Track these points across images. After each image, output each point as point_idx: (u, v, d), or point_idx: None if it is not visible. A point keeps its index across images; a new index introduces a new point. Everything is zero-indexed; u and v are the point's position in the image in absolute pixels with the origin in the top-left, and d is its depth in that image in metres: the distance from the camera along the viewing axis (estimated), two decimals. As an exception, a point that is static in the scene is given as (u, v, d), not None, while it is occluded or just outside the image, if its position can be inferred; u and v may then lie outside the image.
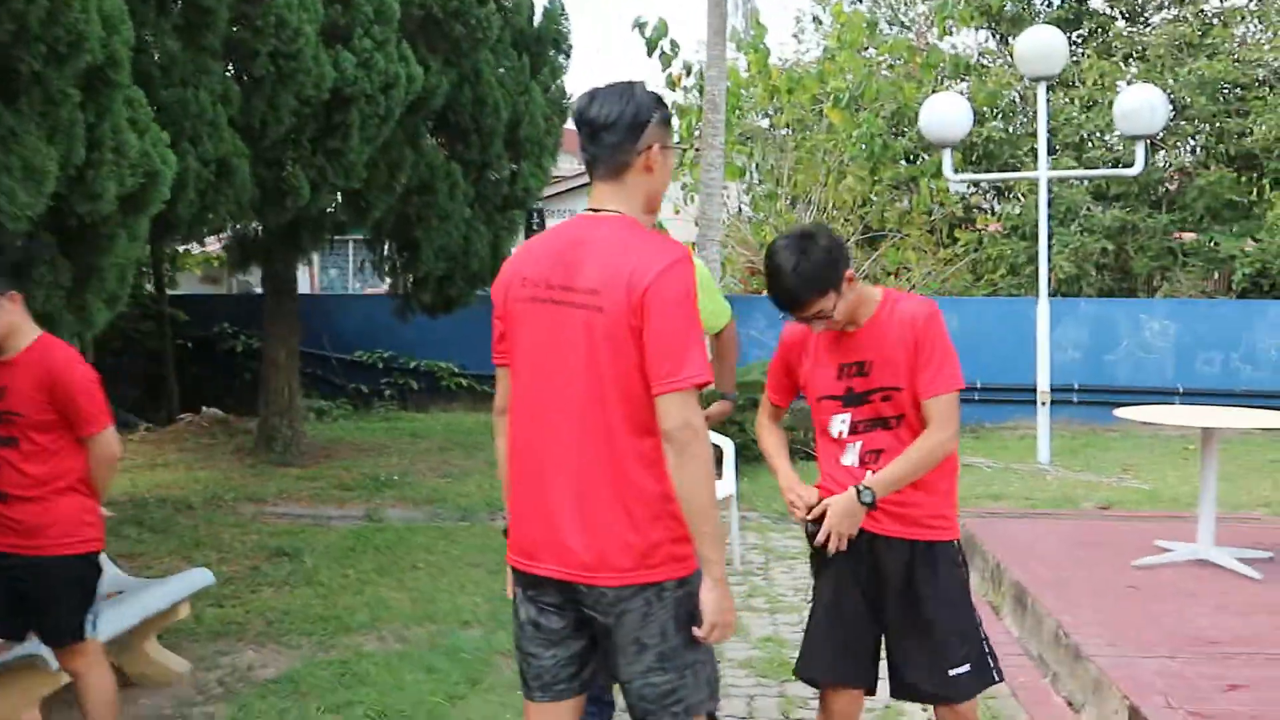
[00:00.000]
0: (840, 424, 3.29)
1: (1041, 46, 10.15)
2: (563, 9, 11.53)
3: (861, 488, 3.21)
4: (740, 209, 14.78)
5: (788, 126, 14.94)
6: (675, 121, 12.67)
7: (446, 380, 13.84)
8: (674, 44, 13.92)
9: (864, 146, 13.40)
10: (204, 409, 13.02)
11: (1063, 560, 6.55)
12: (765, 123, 15.31)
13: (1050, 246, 11.95)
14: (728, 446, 7.02)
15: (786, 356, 3.44)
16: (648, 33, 14.13)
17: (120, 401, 11.41)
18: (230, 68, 6.51)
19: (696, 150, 11.89)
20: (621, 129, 2.66)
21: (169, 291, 14.41)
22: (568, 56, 11.75)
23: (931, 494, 3.25)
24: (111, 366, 13.11)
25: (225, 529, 7.93)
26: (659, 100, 2.77)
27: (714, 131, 11.79)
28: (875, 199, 14.69)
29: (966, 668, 3.26)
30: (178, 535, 7.72)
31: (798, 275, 3.11)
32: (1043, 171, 10.50)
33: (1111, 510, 8.43)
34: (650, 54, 14.26)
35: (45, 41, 3.87)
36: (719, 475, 7.10)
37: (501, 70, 9.79)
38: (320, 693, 4.91)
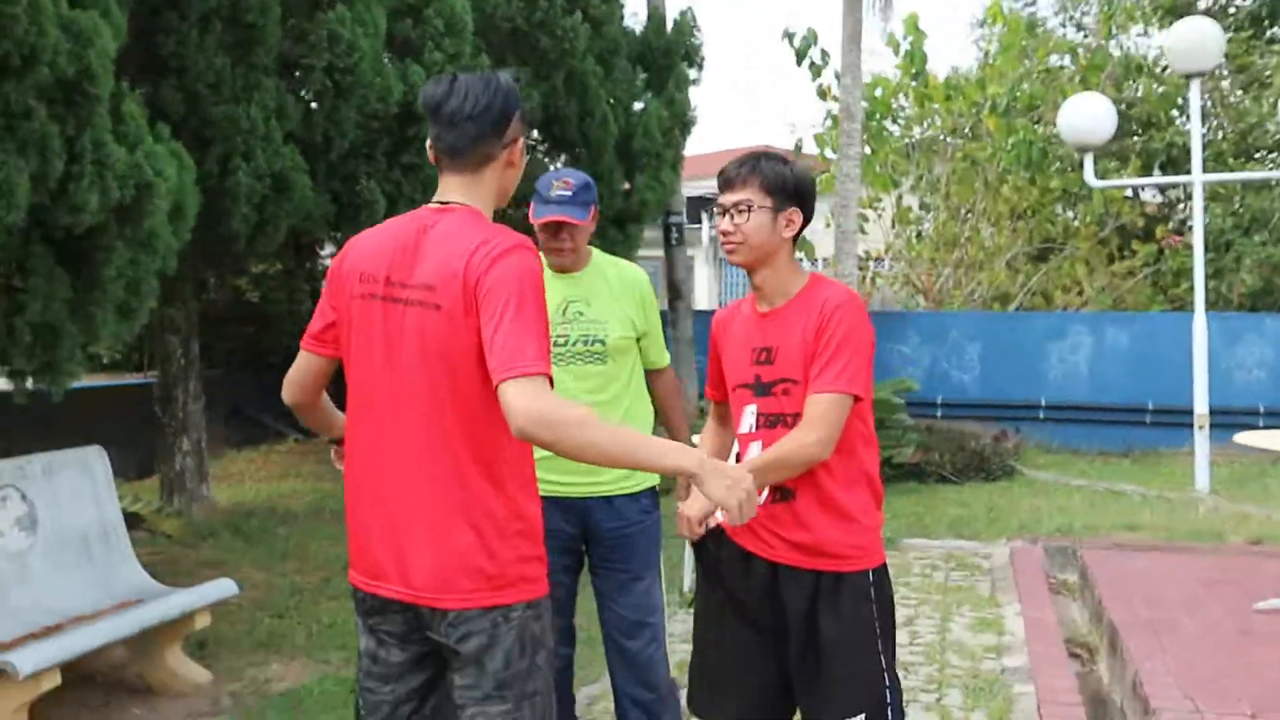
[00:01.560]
0: (750, 418, 2.92)
1: (1194, 39, 9.33)
2: (694, 21, 11.35)
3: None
4: (894, 223, 14.21)
5: (948, 135, 14.30)
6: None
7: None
8: (824, 54, 13.53)
9: (1021, 155, 12.66)
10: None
11: (1175, 600, 5.96)
12: (919, 132, 14.68)
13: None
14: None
15: (715, 341, 3.11)
16: (796, 43, 13.80)
17: (277, 413, 11.85)
18: (287, 83, 6.58)
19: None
20: (488, 120, 2.47)
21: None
22: (699, 69, 11.56)
23: (842, 521, 2.83)
24: (272, 380, 13.66)
25: (315, 540, 8.03)
26: (520, 93, 2.57)
27: (849, 141, 11.35)
28: (1040, 209, 13.88)
29: (860, 718, 2.86)
30: (267, 545, 7.85)
31: (762, 159, 2.85)
32: (1197, 176, 9.66)
33: (1263, 546, 7.62)
34: (799, 64, 13.92)
35: (-5, 56, 3.94)
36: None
37: (611, 82, 9.66)
38: (317, 710, 4.83)
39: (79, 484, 5.20)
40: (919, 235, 14.30)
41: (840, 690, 2.81)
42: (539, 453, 2.48)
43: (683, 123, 10.69)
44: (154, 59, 5.88)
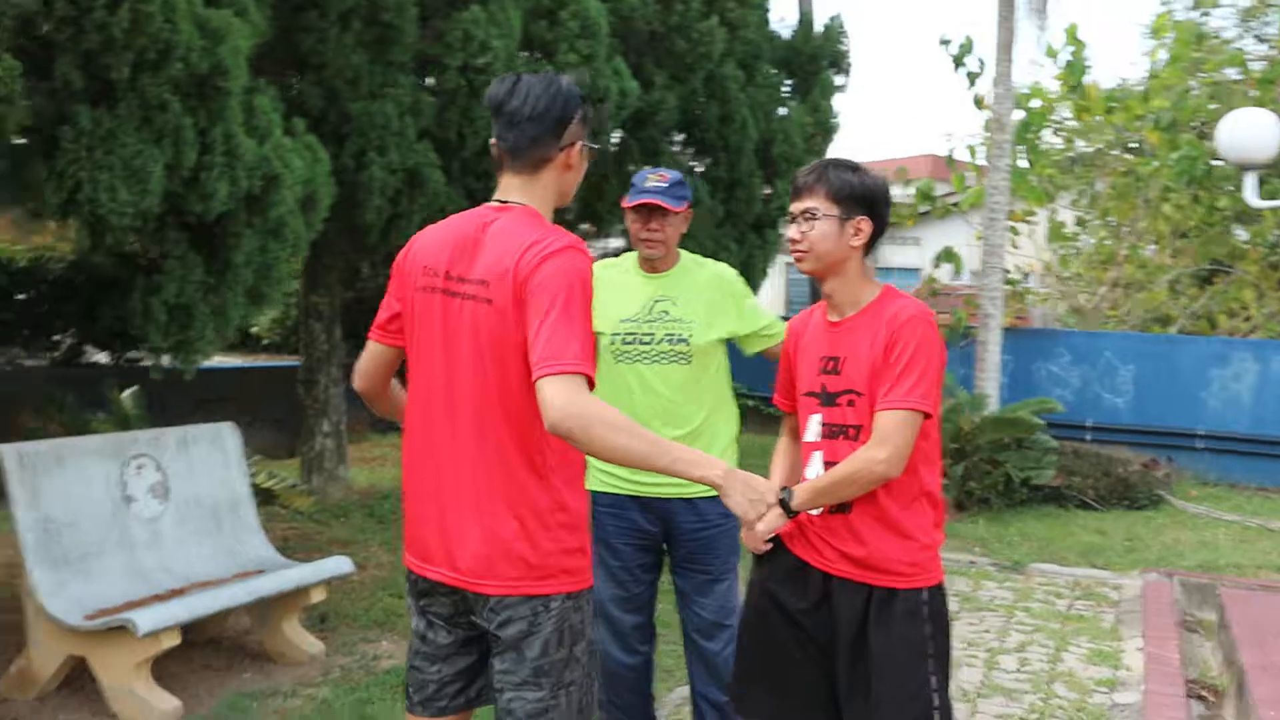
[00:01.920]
0: (815, 427, 2.91)
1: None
2: (842, 28, 11.25)
3: (786, 490, 2.85)
4: (1048, 238, 13.76)
5: (1108, 148, 13.79)
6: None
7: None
8: (981, 62, 13.20)
9: (1185, 171, 12.11)
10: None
11: (1324, 645, 5.67)
12: (1081, 145, 14.17)
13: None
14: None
15: (787, 348, 3.11)
16: (953, 50, 13.52)
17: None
18: (422, 81, 6.77)
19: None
20: (547, 122, 2.54)
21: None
22: (846, 75, 11.45)
23: (898, 537, 2.79)
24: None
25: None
26: (583, 96, 2.62)
27: (999, 153, 11.05)
28: (1206, 229, 13.26)
29: None
30: (397, 526, 8.06)
31: (830, 167, 2.84)
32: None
33: None
34: (955, 71, 13.63)
35: (132, 50, 4.17)
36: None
37: (753, 87, 9.65)
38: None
39: (211, 457, 5.46)
40: (1074, 251, 13.84)
41: (885, 709, 2.76)
42: None
43: (825, 129, 10.59)
44: (295, 55, 6.13)
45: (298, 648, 5.32)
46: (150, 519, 5.06)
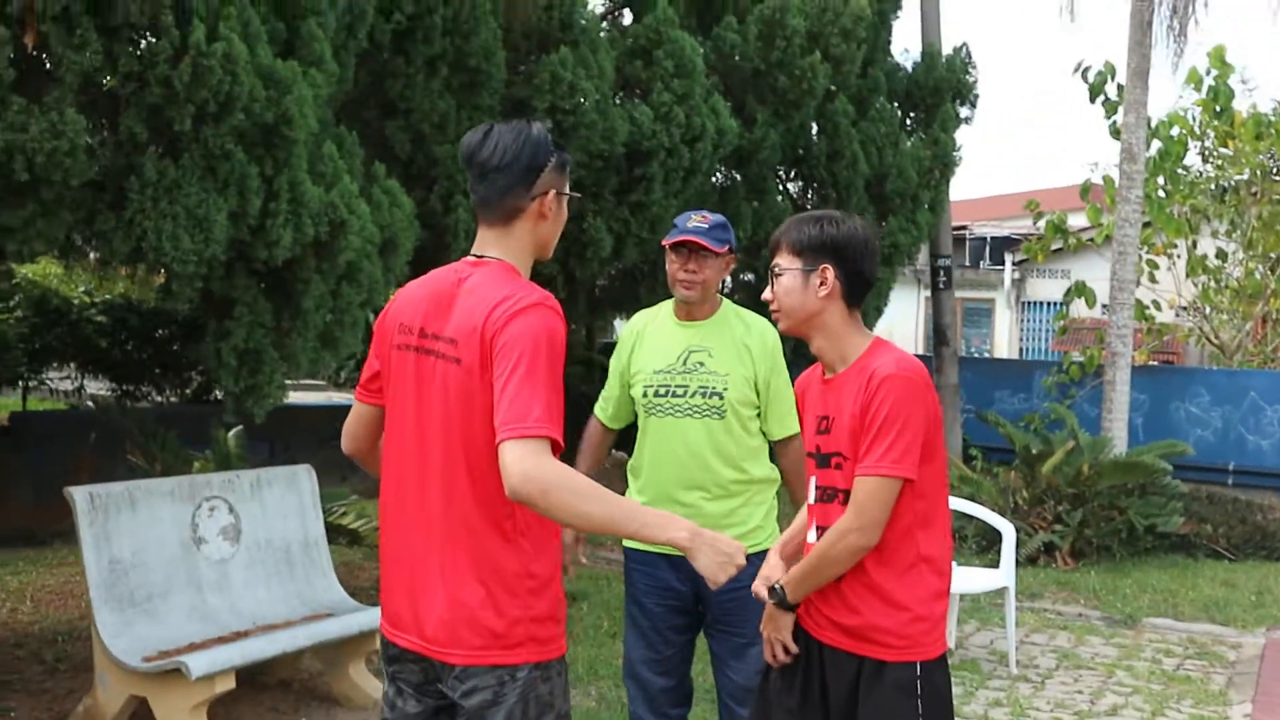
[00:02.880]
0: (812, 490, 2.80)
1: None
2: (969, 57, 10.95)
3: (776, 584, 2.73)
4: (1188, 272, 13.09)
5: (1257, 176, 13.07)
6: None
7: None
8: (1120, 89, 12.67)
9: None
10: (613, 452, 13.59)
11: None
12: (1231, 174, 13.46)
13: None
14: (1007, 532, 6.23)
15: (798, 408, 3.01)
16: (1090, 78, 13.04)
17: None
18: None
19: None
20: (516, 172, 2.47)
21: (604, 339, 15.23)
22: (972, 106, 11.13)
23: (891, 608, 2.63)
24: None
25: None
26: (557, 143, 2.55)
27: (1129, 184, 10.59)
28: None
29: None
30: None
31: (794, 222, 2.77)
32: None
33: None
34: (1093, 100, 13.13)
35: (194, 102, 4.26)
36: (998, 564, 6.33)
37: (867, 122, 9.45)
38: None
39: (286, 499, 5.53)
40: (1217, 285, 13.15)
41: None
42: None
43: (944, 163, 10.29)
44: (383, 101, 6.21)
45: (363, 691, 5.33)
46: (220, 560, 5.14)
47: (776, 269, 2.73)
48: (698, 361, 3.65)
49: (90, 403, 8.93)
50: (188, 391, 11.12)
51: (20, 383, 10.66)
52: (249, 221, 4.68)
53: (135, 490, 4.91)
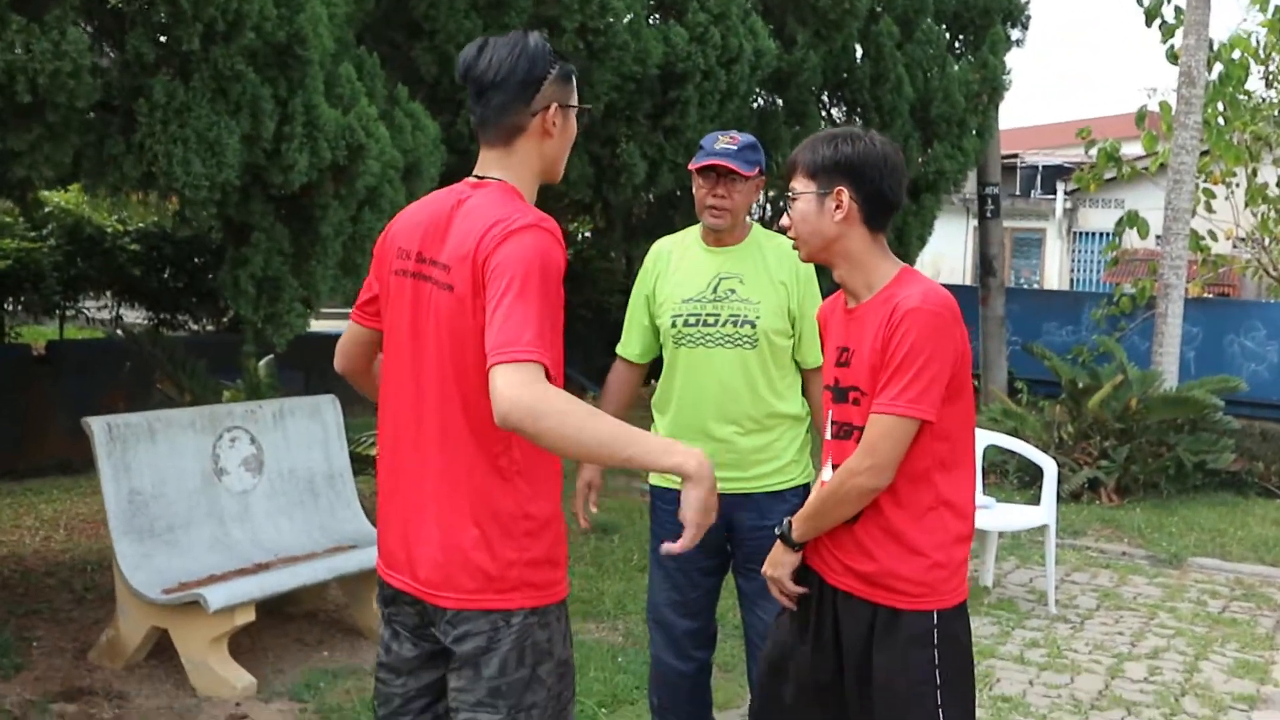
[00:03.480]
0: (830, 425, 2.65)
1: None
2: (1018, -23, 10.56)
3: (785, 521, 2.59)
4: (1246, 201, 12.64)
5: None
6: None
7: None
8: (1178, 12, 12.19)
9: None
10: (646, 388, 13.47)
11: None
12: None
13: None
14: (1049, 468, 6.04)
15: (820, 337, 2.87)
16: (1146, 1, 12.53)
17: (583, 367, 12.17)
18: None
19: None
20: (512, 87, 2.30)
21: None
22: (1024, 28, 10.75)
23: (908, 553, 2.48)
24: (581, 334, 14.04)
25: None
26: (557, 53, 2.37)
27: (1187, 109, 10.20)
28: None
29: None
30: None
31: (808, 144, 2.59)
32: None
33: None
34: (1149, 24, 12.63)
35: (201, 21, 4.10)
36: (1038, 500, 6.16)
37: (912, 44, 9.13)
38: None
39: (310, 430, 5.45)
40: (1277, 215, 12.70)
41: None
42: None
43: (993, 87, 9.94)
44: (408, 22, 6.03)
45: (384, 623, 5.27)
46: (241, 492, 5.07)
47: (792, 193, 2.56)
48: (729, 289, 3.48)
49: (119, 332, 8.88)
50: (224, 320, 11.10)
51: (57, 311, 10.67)
52: (263, 145, 4.54)
53: (155, 421, 4.84)
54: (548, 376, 2.10)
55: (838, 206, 2.50)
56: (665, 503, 3.59)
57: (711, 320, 3.48)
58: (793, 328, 3.51)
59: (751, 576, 3.56)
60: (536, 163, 2.36)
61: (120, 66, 4.27)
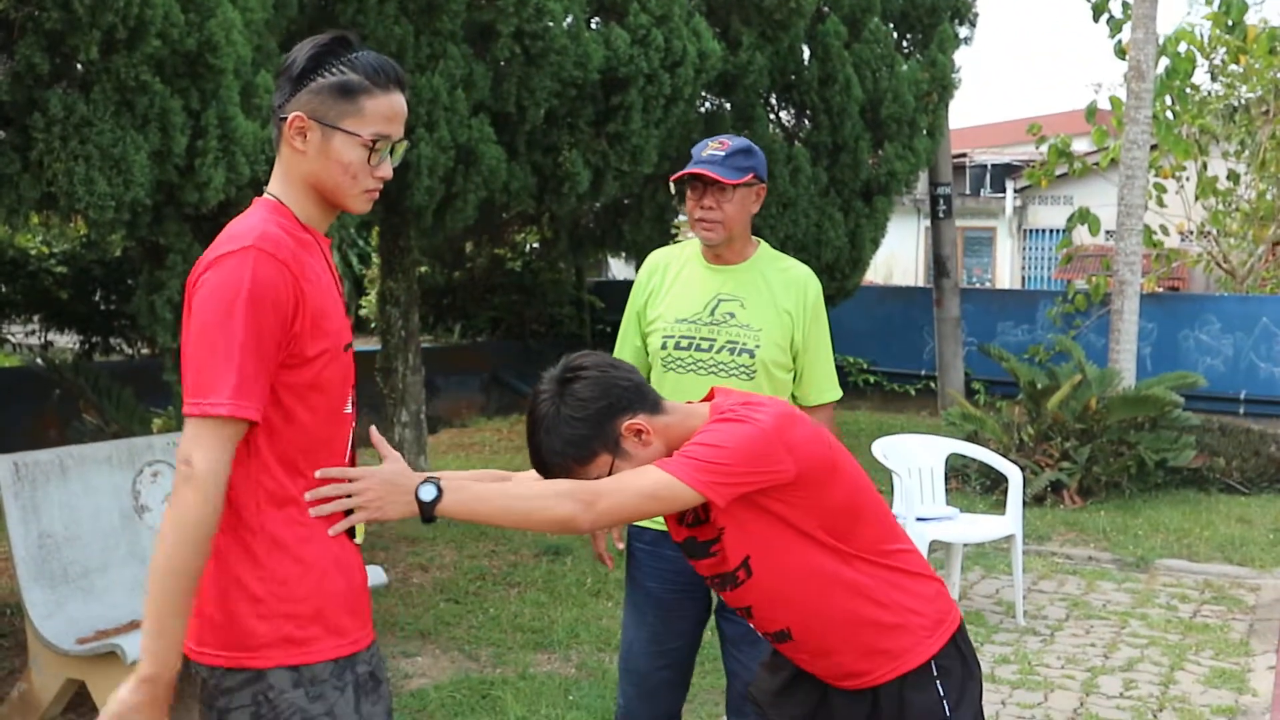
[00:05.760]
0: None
1: None
2: (967, -24, 10.42)
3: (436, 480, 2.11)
4: (1197, 195, 12.59)
5: (1270, 94, 12.54)
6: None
7: (855, 377, 13.03)
8: (1125, 6, 12.12)
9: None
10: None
11: None
12: (1244, 91, 12.92)
13: None
14: (1014, 476, 5.85)
15: None
16: (1093, -5, 12.47)
17: (535, 382, 11.90)
18: (476, 51, 6.31)
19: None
20: (283, 83, 2.05)
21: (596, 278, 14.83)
22: (971, 25, 10.62)
23: (887, 630, 2.31)
24: (535, 349, 13.78)
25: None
26: (322, 62, 2.03)
27: (1137, 104, 10.09)
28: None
29: None
30: (467, 525, 7.72)
31: (541, 452, 2.33)
32: None
33: None
34: (1096, 19, 12.56)
35: (99, 28, 3.82)
36: (1003, 507, 5.97)
37: (860, 44, 8.95)
38: (438, 715, 4.59)
39: (240, 461, 5.14)
40: (1227, 208, 12.66)
41: None
42: None
43: (942, 86, 9.79)
44: (334, 28, 5.74)
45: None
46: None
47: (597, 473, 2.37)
48: (727, 312, 3.17)
49: (38, 361, 8.51)
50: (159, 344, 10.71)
51: (-21, 339, 10.28)
52: (175, 161, 4.25)
53: (67, 457, 4.52)
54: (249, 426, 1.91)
55: (636, 435, 2.32)
56: (643, 543, 3.31)
57: (706, 345, 3.18)
58: (794, 362, 3.24)
59: (731, 622, 3.30)
60: (297, 177, 2.05)
61: (11, 78, 3.97)
